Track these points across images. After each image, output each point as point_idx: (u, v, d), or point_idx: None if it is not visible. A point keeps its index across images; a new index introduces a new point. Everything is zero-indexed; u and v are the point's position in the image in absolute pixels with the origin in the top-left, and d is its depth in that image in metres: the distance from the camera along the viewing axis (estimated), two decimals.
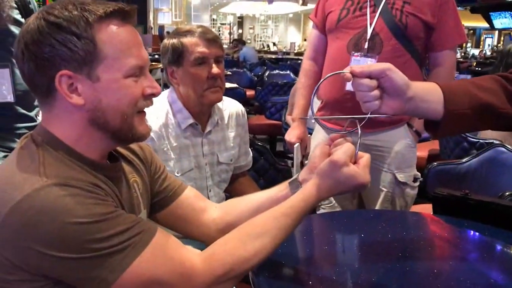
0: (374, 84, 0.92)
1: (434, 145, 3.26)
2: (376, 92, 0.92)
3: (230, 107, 1.69)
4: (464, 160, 2.29)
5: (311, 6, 18.77)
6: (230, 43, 14.47)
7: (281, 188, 1.06)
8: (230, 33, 22.10)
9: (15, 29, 1.95)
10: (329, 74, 1.04)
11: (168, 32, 15.52)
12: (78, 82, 0.81)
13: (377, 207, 1.87)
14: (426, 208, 2.14)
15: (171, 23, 18.49)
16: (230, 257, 0.83)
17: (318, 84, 1.16)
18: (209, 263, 0.82)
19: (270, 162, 2.14)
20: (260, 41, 23.30)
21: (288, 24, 24.91)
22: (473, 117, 1.00)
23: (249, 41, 21.74)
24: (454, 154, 2.88)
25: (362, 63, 1.75)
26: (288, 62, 9.88)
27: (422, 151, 3.10)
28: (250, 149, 1.83)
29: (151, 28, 19.31)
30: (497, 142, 2.31)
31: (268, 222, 0.88)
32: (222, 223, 1.04)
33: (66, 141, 0.84)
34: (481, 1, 11.09)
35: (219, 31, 22.97)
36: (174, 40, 1.50)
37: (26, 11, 2.01)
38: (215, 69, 1.49)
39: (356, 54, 1.77)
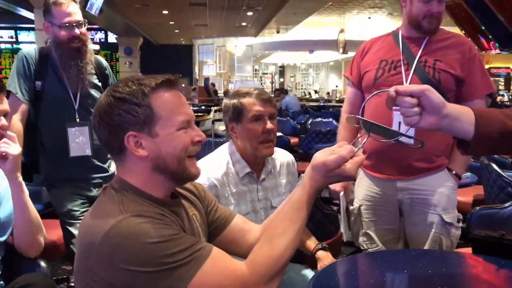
0: (415, 102, 1.06)
1: (479, 190, 3.30)
2: (416, 109, 1.07)
3: (281, 156, 1.89)
4: (507, 204, 2.36)
5: (351, 53, 19.14)
6: (272, 92, 14.86)
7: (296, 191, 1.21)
8: (272, 82, 22.67)
9: (94, 93, 2.26)
10: (375, 92, 1.19)
11: (213, 84, 16.19)
12: (142, 139, 1.04)
13: (425, 248, 1.98)
14: (467, 252, 2.21)
15: (215, 75, 19.22)
16: (267, 258, 1.02)
17: (365, 101, 1.27)
18: (253, 267, 1.01)
19: (317, 207, 2.29)
20: (301, 88, 23.72)
21: (329, 71, 25.31)
22: (500, 141, 1.12)
23: (290, 89, 22.18)
24: (499, 198, 2.92)
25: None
26: (330, 109, 10.05)
27: (467, 196, 3.15)
28: None
29: (197, 80, 20.14)
30: None
31: (285, 221, 1.05)
32: None
33: (137, 185, 1.07)
34: None
35: (261, 80, 23.58)
36: (235, 101, 1.73)
37: (103, 76, 2.33)
38: (269, 125, 1.71)
39: (396, 108, 1.94)
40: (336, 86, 21.76)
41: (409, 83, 1.94)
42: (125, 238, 0.94)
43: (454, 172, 2.01)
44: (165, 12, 13.70)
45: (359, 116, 1.14)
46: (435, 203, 1.97)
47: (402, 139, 1.13)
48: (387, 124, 1.91)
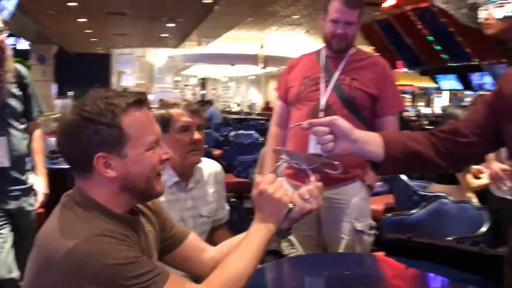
0: (326, 130, 1.19)
1: (389, 199, 3.56)
2: (329, 136, 1.19)
3: (209, 166, 1.93)
4: (414, 211, 2.59)
5: (270, 69, 19.62)
6: (195, 103, 14.83)
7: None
8: (193, 94, 22.61)
9: (13, 102, 2.17)
10: (292, 126, 1.31)
11: None
12: (111, 160, 1.03)
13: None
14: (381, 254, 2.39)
15: (134, 85, 18.81)
16: (225, 281, 1.05)
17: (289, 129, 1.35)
18: (211, 285, 1.05)
19: (242, 216, 2.36)
20: (222, 101, 23.86)
21: (250, 85, 25.72)
22: (407, 161, 1.28)
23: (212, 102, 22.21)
24: (406, 206, 3.17)
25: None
26: (251, 122, 10.26)
27: (378, 205, 3.38)
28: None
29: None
30: (442, 195, 2.63)
31: (240, 259, 1.09)
32: (219, 261, 1.21)
33: (101, 201, 1.05)
34: (429, 64, 11.99)
35: (182, 92, 23.40)
36: (162, 111, 1.76)
37: (22, 85, 2.24)
38: (196, 135, 1.75)
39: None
40: (255, 101, 22.21)
41: (327, 99, 2.09)
42: (89, 257, 0.94)
43: (367, 183, 2.17)
44: (81, 20, 13.24)
45: (284, 148, 1.25)
46: (348, 212, 2.12)
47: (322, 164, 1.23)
48: (305, 137, 2.06)
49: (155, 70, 19.95)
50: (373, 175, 2.18)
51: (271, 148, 2.32)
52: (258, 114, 17.07)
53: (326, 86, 2.11)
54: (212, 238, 1.95)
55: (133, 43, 18.19)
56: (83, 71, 19.20)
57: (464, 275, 1.41)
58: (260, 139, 6.69)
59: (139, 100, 1.06)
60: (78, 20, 13.17)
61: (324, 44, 2.21)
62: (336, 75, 2.12)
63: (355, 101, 2.07)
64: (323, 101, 2.09)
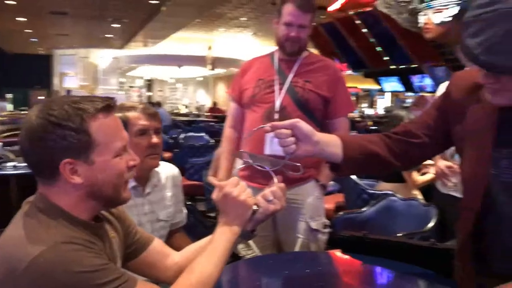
0: (288, 132, 1.21)
1: (340, 198, 3.65)
2: (291, 139, 1.22)
3: (166, 170, 1.91)
4: (364, 209, 2.68)
5: (219, 70, 19.60)
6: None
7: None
8: (139, 96, 22.18)
9: None
10: (254, 129, 1.34)
11: None
12: (78, 166, 1.00)
13: None
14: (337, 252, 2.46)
15: (78, 87, 18.27)
16: (193, 286, 1.05)
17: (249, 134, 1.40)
18: None
19: (198, 219, 2.35)
20: (170, 103, 23.56)
21: (197, 87, 25.55)
22: (365, 162, 1.33)
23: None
24: (356, 204, 3.27)
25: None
26: (200, 124, 10.21)
27: (330, 204, 3.46)
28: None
29: (58, 92, 18.88)
30: (390, 192, 2.73)
31: (206, 263, 1.09)
32: (184, 266, 1.20)
33: (65, 208, 1.01)
34: (372, 67, 12.42)
35: (128, 94, 22.92)
36: (120, 114, 1.72)
37: None
38: (154, 139, 1.73)
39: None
40: (204, 103, 22.10)
41: (281, 101, 2.13)
42: (55, 266, 0.91)
43: (321, 183, 2.22)
44: (20, 19, 12.70)
45: (246, 152, 1.28)
46: (303, 212, 2.17)
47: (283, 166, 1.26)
48: (262, 139, 2.09)
49: (99, 71, 19.42)
50: (326, 175, 2.23)
51: (226, 150, 2.33)
52: (207, 116, 17.00)
53: (280, 89, 2.15)
54: (170, 242, 1.93)
55: (76, 43, 17.65)
56: (23, 72, 18.42)
57: (417, 269, 1.48)
58: (211, 141, 6.68)
59: (108, 106, 1.04)
60: (17, 19, 12.64)
61: (276, 47, 2.25)
62: (290, 77, 2.16)
63: (309, 103, 2.12)
64: (277, 103, 2.12)
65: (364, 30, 11.31)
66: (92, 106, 1.01)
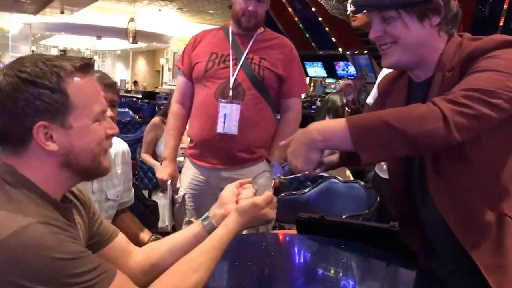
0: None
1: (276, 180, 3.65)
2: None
3: (116, 145, 1.76)
4: (306, 190, 2.70)
5: (141, 44, 18.90)
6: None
7: (194, 227, 1.20)
8: None
9: None
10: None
11: None
12: (53, 131, 0.88)
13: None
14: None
15: None
16: None
17: None
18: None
19: (139, 198, 2.23)
20: None
21: (116, 60, 24.53)
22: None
23: None
24: (292, 186, 3.30)
25: (229, 109, 2.02)
26: (123, 99, 9.80)
27: None
28: None
29: None
30: (326, 175, 2.76)
31: (202, 256, 1.02)
32: (147, 265, 1.13)
33: (37, 182, 0.89)
34: (299, 51, 12.60)
35: None
36: None
37: None
38: (109, 112, 1.56)
39: (223, 100, 2.03)
40: (124, 77, 21.29)
41: (235, 77, 2.05)
42: (27, 249, 0.78)
43: (271, 163, 2.19)
44: None
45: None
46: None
47: None
48: (214, 116, 2.01)
49: (9, 37, 17.95)
50: (277, 155, 2.20)
51: (173, 127, 2.21)
52: (127, 91, 16.39)
53: (235, 64, 2.06)
54: (117, 223, 1.80)
55: None
56: None
57: (376, 251, 1.51)
58: (137, 117, 6.42)
59: (87, 65, 0.92)
60: None
61: (231, 21, 2.16)
62: (245, 53, 2.08)
63: (264, 81, 2.06)
64: (232, 80, 2.04)
65: (292, 14, 11.44)
66: (69, 64, 0.89)
